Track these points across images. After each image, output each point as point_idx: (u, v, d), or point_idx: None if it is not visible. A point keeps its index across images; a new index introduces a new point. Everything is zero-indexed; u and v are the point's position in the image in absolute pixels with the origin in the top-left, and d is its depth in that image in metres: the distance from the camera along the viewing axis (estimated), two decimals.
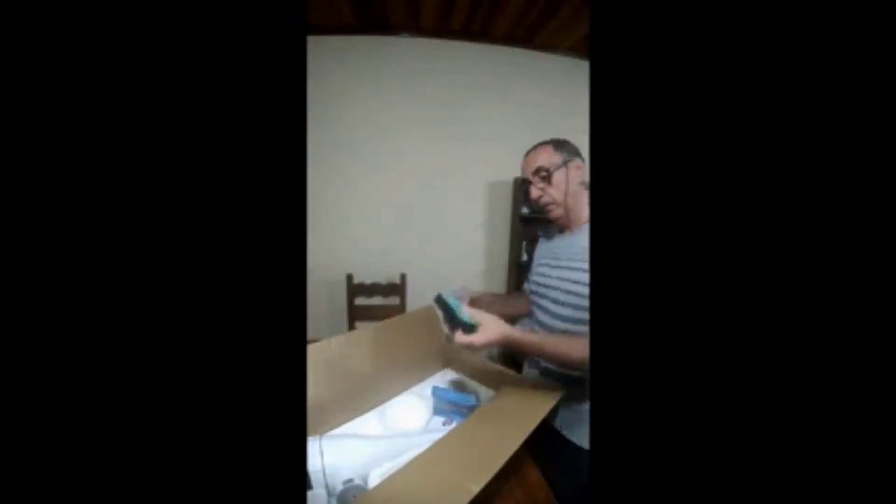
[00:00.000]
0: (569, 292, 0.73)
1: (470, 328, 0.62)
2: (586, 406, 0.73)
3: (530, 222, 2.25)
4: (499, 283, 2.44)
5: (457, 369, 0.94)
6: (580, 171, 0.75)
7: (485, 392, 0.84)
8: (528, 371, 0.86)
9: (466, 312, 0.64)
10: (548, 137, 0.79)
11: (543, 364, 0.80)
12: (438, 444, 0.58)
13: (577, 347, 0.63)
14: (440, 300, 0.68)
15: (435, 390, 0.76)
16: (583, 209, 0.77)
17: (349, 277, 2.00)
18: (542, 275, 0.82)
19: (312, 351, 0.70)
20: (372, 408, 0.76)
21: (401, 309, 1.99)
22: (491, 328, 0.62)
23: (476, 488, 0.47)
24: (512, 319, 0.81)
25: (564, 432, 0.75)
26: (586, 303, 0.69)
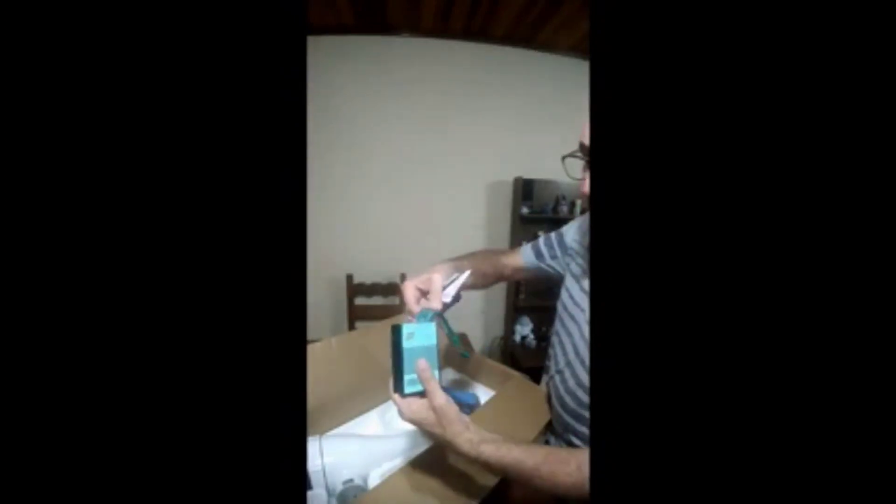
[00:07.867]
0: None
1: (404, 392, 0.46)
2: None
3: (530, 222, 2.25)
4: (498, 284, 2.43)
5: (457, 369, 0.94)
6: None
7: (485, 391, 0.84)
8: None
9: (415, 372, 0.46)
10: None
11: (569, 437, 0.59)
12: (439, 445, 0.58)
13: (569, 472, 0.41)
14: (396, 340, 0.47)
15: None
16: None
17: (349, 277, 2.00)
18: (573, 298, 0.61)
19: (312, 351, 0.70)
20: (372, 408, 0.76)
21: (401, 309, 1.97)
22: (437, 416, 0.43)
23: (475, 501, 0.48)
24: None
25: None
26: None
